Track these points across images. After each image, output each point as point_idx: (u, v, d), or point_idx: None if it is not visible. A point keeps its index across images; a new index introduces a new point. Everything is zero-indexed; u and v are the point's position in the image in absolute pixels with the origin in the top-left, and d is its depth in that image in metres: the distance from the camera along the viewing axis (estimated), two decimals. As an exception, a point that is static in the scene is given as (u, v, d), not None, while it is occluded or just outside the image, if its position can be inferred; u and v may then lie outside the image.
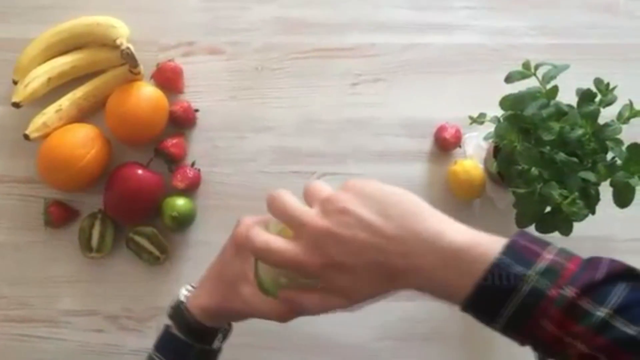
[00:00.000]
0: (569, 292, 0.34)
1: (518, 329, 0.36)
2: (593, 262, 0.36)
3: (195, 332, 0.50)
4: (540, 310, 0.34)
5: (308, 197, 0.42)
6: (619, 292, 0.34)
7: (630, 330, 0.33)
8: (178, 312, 0.51)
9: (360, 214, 0.38)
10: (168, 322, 0.52)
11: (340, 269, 0.38)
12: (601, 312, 0.33)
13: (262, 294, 0.44)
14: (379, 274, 0.38)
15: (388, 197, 0.39)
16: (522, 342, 0.37)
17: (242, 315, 0.49)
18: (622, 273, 0.35)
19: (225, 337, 0.53)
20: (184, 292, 0.53)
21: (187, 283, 0.55)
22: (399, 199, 0.39)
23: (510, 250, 0.36)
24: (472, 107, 0.66)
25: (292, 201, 0.41)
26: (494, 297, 0.35)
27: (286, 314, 0.44)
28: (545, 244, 0.37)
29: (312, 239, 0.38)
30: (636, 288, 0.34)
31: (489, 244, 0.37)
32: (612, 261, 0.36)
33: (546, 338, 0.35)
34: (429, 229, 0.37)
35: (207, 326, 0.50)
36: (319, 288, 0.41)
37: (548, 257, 0.36)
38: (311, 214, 0.39)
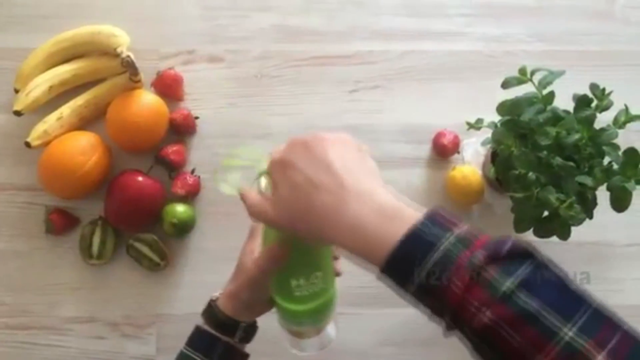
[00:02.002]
0: (480, 257, 0.36)
1: (430, 291, 0.37)
2: (500, 239, 0.38)
3: (220, 323, 0.54)
4: (452, 272, 0.36)
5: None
6: (522, 268, 0.36)
7: (533, 304, 0.34)
8: (208, 306, 0.56)
9: (305, 174, 0.42)
10: (200, 321, 0.56)
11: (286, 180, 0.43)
12: (508, 284, 0.35)
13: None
14: (308, 204, 0.41)
15: (331, 155, 0.42)
16: (432, 309, 0.38)
17: (247, 286, 0.53)
18: (524, 252, 0.37)
19: (247, 334, 0.56)
20: (216, 293, 0.57)
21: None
22: (342, 155, 0.43)
23: (430, 217, 0.39)
24: (470, 113, 0.67)
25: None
26: (410, 257, 0.37)
27: (263, 262, 0.50)
28: (460, 219, 0.39)
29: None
30: (538, 267, 0.36)
31: (412, 212, 0.39)
32: (516, 239, 0.38)
33: (453, 302, 0.36)
34: (363, 184, 0.41)
35: (229, 316, 0.54)
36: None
37: (463, 227, 0.38)
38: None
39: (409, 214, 0.39)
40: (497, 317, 0.34)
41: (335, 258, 0.55)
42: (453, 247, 0.37)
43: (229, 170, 0.50)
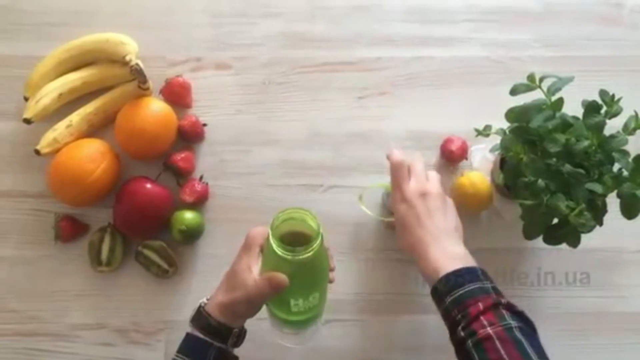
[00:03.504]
0: (503, 301, 0.56)
1: (462, 302, 0.56)
2: (512, 303, 0.57)
3: (213, 330, 0.55)
4: (482, 298, 0.55)
5: (412, 174, 0.66)
6: (519, 321, 0.55)
7: (523, 339, 0.53)
8: (198, 313, 0.56)
9: (432, 215, 0.63)
10: (189, 329, 0.56)
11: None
12: (512, 323, 0.54)
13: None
14: (417, 236, 0.62)
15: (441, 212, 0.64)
16: (453, 315, 0.56)
17: (244, 303, 0.55)
18: (524, 315, 0.56)
19: (238, 339, 0.57)
20: (204, 299, 0.58)
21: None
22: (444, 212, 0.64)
23: (482, 269, 0.59)
24: (478, 120, 0.67)
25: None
26: (461, 279, 0.57)
27: (265, 288, 0.53)
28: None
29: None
30: (527, 325, 0.56)
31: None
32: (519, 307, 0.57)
33: (473, 313, 0.54)
34: (437, 260, 0.60)
35: (222, 323, 0.55)
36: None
37: (491, 284, 0.58)
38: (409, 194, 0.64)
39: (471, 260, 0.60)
40: (496, 334, 0.53)
41: (331, 269, 0.61)
42: (488, 288, 0.57)
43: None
